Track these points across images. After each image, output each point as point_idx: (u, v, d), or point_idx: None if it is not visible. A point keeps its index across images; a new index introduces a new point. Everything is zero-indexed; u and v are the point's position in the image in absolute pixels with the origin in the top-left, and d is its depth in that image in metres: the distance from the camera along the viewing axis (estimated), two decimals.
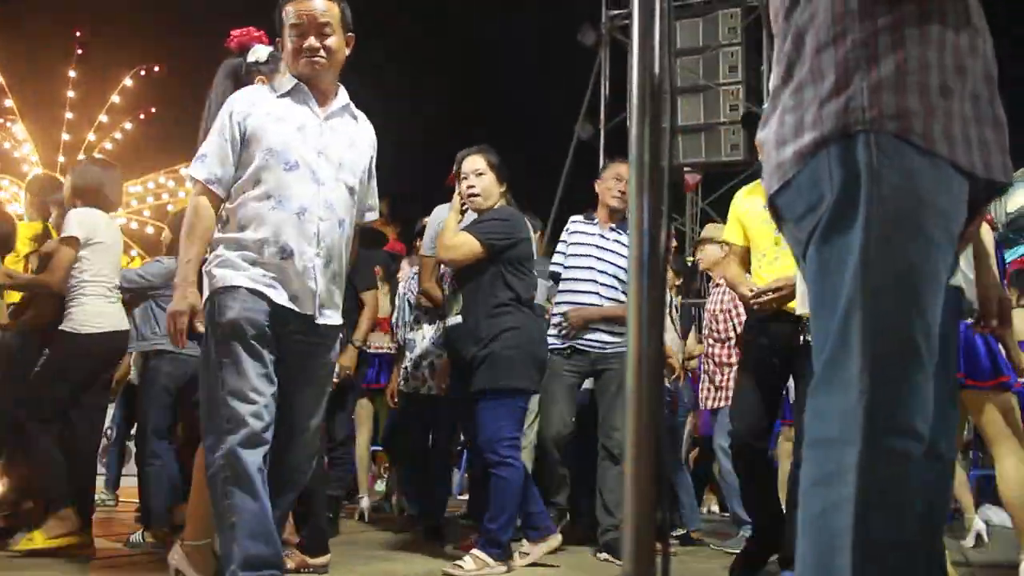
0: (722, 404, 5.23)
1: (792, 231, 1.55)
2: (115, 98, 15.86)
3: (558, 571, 3.72)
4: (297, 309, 2.58)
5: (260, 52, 2.99)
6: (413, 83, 16.47)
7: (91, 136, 15.65)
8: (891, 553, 1.31)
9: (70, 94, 15.38)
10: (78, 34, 15.20)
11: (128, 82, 15.75)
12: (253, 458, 2.40)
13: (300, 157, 2.60)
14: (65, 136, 15.23)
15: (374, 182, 2.92)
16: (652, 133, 0.98)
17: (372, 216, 2.97)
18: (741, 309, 5.04)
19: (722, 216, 11.78)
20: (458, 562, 3.44)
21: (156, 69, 15.53)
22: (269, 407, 2.46)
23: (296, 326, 2.61)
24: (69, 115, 15.43)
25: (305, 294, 2.60)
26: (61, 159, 14.86)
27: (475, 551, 3.49)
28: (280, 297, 2.55)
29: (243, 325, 2.47)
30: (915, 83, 1.42)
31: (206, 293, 2.58)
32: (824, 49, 1.48)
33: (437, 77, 17.06)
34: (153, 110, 15.95)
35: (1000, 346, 3.52)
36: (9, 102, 14.75)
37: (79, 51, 15.24)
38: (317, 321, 2.63)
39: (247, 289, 2.51)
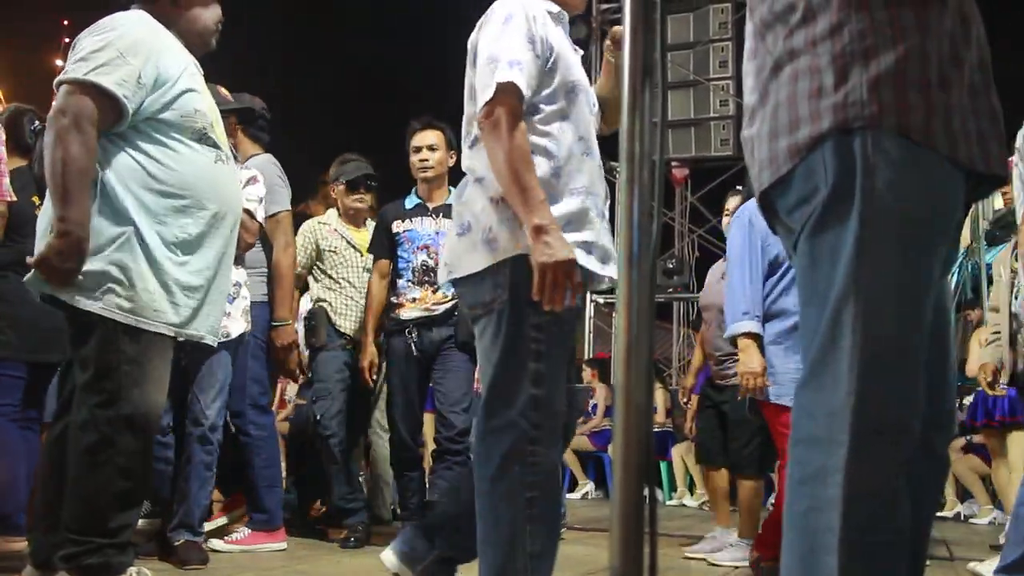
0: None
1: (783, 223, 1.53)
2: None
3: None
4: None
5: None
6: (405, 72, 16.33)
7: None
8: (877, 552, 1.31)
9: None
10: (65, 23, 15.10)
11: None
12: None
13: (587, 93, 2.08)
14: None
15: None
16: (643, 126, 0.98)
17: None
18: None
19: (711, 211, 11.78)
20: None
21: None
22: None
23: None
24: None
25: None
26: None
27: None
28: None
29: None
30: (915, 77, 1.39)
31: (501, 253, 1.92)
32: (821, 41, 1.44)
33: (423, 70, 17.01)
34: None
35: None
36: None
37: (66, 40, 15.14)
38: None
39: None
